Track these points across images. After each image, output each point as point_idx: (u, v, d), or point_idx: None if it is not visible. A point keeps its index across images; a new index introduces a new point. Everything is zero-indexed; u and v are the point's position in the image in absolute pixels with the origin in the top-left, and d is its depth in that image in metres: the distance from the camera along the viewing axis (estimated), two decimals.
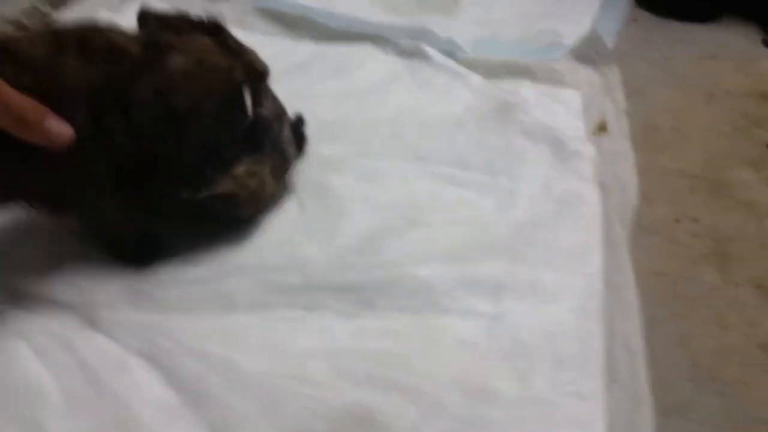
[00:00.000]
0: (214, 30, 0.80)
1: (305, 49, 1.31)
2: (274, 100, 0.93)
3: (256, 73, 0.83)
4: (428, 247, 0.88)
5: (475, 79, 1.22)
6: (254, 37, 1.30)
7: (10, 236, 0.85)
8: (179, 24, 0.78)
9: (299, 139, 1.01)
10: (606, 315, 0.80)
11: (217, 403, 0.69)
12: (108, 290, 0.80)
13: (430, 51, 1.29)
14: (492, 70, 1.26)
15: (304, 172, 1.00)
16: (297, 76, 1.23)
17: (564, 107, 1.16)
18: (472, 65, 1.27)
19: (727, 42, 1.48)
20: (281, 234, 0.91)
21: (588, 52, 1.30)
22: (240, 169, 0.84)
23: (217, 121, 0.77)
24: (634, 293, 0.84)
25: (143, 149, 0.74)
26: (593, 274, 0.85)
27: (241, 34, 1.30)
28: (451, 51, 1.30)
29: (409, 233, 0.90)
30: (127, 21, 1.27)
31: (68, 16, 1.33)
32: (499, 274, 0.84)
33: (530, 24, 1.47)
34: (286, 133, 0.94)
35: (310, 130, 1.08)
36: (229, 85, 0.77)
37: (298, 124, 1.02)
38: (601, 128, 1.12)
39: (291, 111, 1.12)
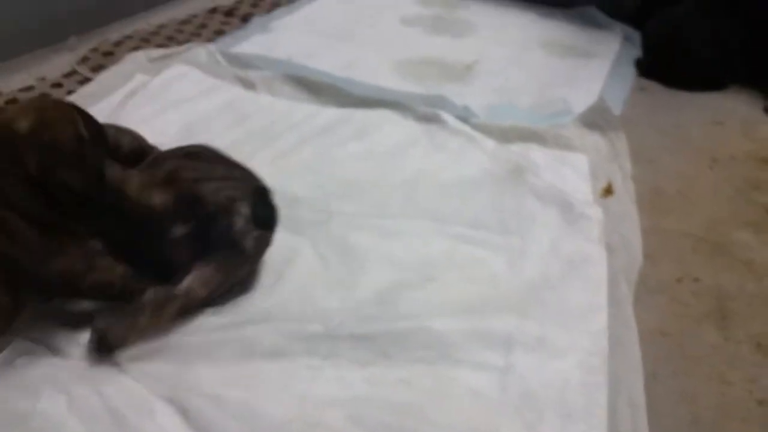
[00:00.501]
0: None
1: (329, 113, 1.39)
2: (216, 192, 0.91)
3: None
4: (442, 301, 0.93)
5: (489, 143, 1.29)
6: (282, 102, 1.41)
7: None
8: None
9: (266, 216, 0.96)
10: (611, 370, 0.84)
11: None
12: None
13: (446, 116, 1.36)
14: (504, 135, 1.33)
15: (326, 228, 1.06)
16: (321, 138, 1.31)
17: (572, 171, 1.22)
18: (486, 130, 1.34)
19: (730, 109, 1.55)
20: (303, 285, 0.96)
21: (595, 119, 1.37)
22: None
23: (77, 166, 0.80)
24: (638, 350, 0.88)
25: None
26: (599, 332, 0.89)
27: (270, 99, 1.42)
28: (465, 117, 1.38)
29: (425, 288, 0.96)
30: (161, 85, 1.37)
31: (106, 79, 1.43)
32: (510, 328, 0.88)
33: (540, 91, 1.55)
34: (240, 224, 0.91)
35: (333, 189, 1.15)
36: (73, 130, 0.81)
37: (263, 199, 0.97)
38: (608, 191, 1.17)
39: (316, 171, 1.20)
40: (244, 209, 0.91)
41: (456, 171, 1.22)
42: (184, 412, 0.76)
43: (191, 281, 0.86)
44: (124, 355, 0.82)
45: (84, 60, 1.54)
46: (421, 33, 1.84)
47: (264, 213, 0.95)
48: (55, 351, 0.82)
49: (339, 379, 0.82)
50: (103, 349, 0.80)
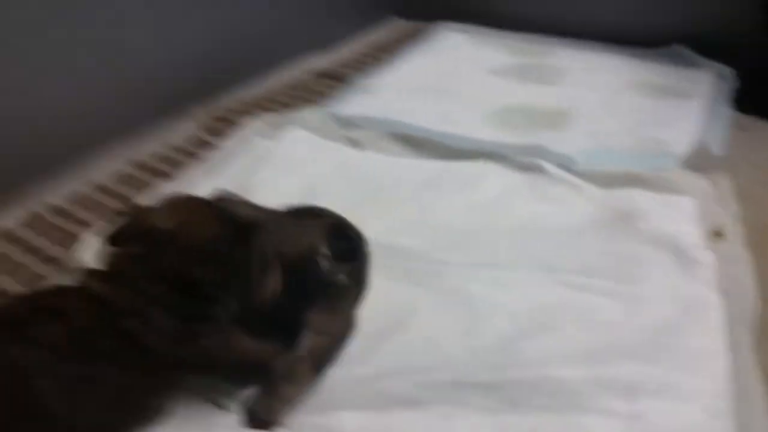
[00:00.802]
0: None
1: (432, 166, 1.47)
2: (297, 243, 0.93)
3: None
4: (563, 349, 0.97)
5: (592, 189, 1.34)
6: (388, 159, 1.50)
7: None
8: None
9: (347, 248, 0.98)
10: (737, 414, 0.86)
11: None
12: None
13: (546, 165, 1.42)
14: (606, 180, 1.37)
15: (440, 279, 1.13)
16: (426, 191, 1.39)
17: (679, 214, 1.25)
18: (586, 176, 1.38)
19: None
20: (423, 334, 1.02)
21: (697, 161, 1.39)
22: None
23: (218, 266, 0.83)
24: (762, 393, 0.89)
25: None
26: (722, 375, 0.91)
27: (378, 157, 1.51)
28: (565, 164, 1.42)
29: (544, 336, 1.00)
30: (282, 149, 1.49)
31: (229, 146, 1.56)
32: (632, 375, 0.92)
33: (636, 134, 1.58)
34: (327, 266, 0.92)
35: (442, 241, 1.21)
36: (209, 230, 0.84)
37: (339, 233, 0.98)
38: (718, 234, 1.19)
39: (424, 223, 1.27)
40: (324, 250, 0.94)
41: (562, 218, 1.27)
42: None
43: (311, 335, 0.92)
44: None
45: (206, 127, 1.68)
46: (510, 82, 1.90)
47: (344, 246, 0.98)
48: (214, 403, 0.91)
49: (472, 427, 0.87)
50: (259, 427, 0.88)
